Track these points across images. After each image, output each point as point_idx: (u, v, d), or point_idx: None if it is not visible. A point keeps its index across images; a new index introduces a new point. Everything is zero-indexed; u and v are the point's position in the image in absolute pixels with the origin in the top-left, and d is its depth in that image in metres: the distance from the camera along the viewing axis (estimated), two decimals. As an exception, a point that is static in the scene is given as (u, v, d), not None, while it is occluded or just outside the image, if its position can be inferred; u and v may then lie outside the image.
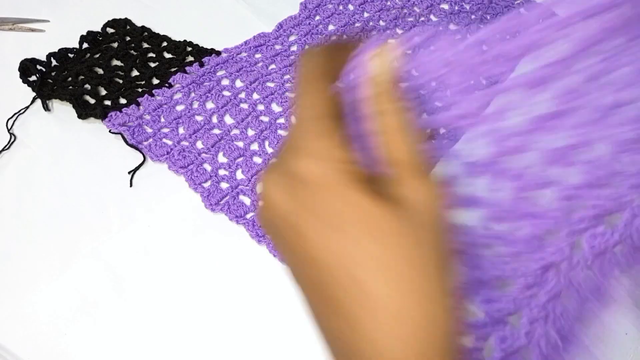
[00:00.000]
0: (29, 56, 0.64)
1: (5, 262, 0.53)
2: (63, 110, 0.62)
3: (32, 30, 0.69)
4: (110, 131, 0.59)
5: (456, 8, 0.72)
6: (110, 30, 0.68)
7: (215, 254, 0.53)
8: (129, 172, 0.57)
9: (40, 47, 0.66)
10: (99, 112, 0.59)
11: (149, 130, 0.60)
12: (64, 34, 0.68)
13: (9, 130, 0.60)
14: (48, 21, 0.70)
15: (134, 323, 0.50)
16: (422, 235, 0.24)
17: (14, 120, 0.60)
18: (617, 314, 0.51)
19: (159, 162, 0.58)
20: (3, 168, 0.58)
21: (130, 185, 0.57)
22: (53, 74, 0.63)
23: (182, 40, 0.67)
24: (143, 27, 0.68)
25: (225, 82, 0.64)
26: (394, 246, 0.24)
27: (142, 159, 0.58)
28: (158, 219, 0.55)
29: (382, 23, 0.72)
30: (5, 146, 0.59)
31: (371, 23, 0.71)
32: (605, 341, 0.50)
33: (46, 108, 0.61)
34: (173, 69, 0.64)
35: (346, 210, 0.24)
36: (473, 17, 0.71)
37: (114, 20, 0.68)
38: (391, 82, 0.28)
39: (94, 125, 0.61)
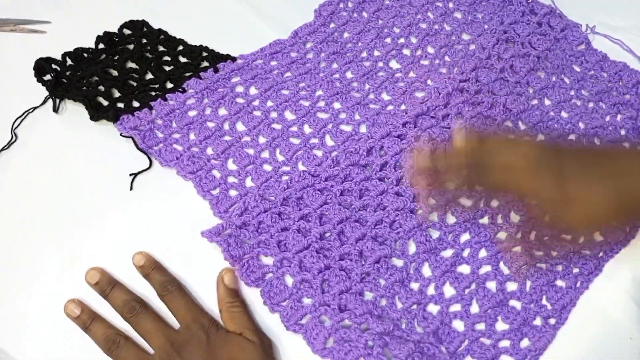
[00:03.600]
0: (31, 57, 0.63)
1: (5, 263, 0.53)
2: (67, 110, 0.62)
3: (34, 31, 0.69)
4: (121, 134, 0.59)
5: (469, 18, 0.72)
6: (126, 31, 0.68)
7: (215, 256, 0.52)
8: (131, 175, 0.57)
9: (41, 48, 0.65)
10: (111, 114, 0.59)
11: (160, 135, 0.59)
12: (65, 35, 0.67)
13: (12, 130, 0.59)
14: (49, 22, 0.69)
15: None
16: None
17: (22, 120, 0.60)
18: (622, 318, 0.50)
19: (167, 167, 0.58)
20: (3, 168, 0.58)
21: (131, 189, 0.57)
22: (67, 73, 0.63)
23: (197, 44, 0.67)
24: (160, 29, 0.68)
25: (239, 89, 0.64)
26: None
27: (148, 163, 0.58)
28: (158, 220, 0.55)
29: (396, 30, 0.71)
30: (5, 146, 0.59)
31: (386, 30, 0.71)
32: (611, 345, 0.50)
33: (55, 109, 0.61)
34: (187, 74, 0.64)
35: None
36: (486, 26, 0.71)
37: (131, 21, 0.68)
38: None
39: (98, 127, 0.60)
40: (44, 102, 0.61)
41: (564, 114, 0.64)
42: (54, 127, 0.61)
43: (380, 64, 0.67)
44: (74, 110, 0.61)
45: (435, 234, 0.55)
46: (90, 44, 0.66)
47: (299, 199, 0.56)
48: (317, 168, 0.58)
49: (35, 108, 0.61)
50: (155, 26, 0.68)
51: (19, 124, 0.60)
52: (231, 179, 0.57)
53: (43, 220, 0.55)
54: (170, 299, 0.49)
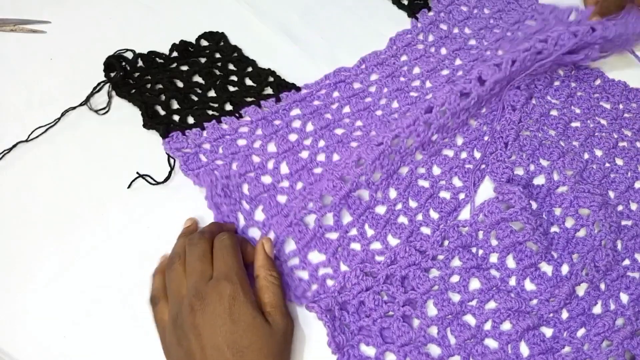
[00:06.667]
0: (31, 57, 0.64)
1: (5, 263, 0.53)
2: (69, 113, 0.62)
3: (34, 31, 0.69)
4: (166, 152, 0.59)
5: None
6: (204, 43, 0.68)
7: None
8: (137, 173, 0.57)
9: (41, 48, 0.66)
10: (162, 129, 0.59)
11: (204, 159, 0.59)
12: (65, 35, 0.68)
13: (29, 136, 0.60)
14: (49, 22, 0.69)
15: (133, 325, 0.50)
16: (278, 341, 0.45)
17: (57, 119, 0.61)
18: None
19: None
20: (3, 168, 0.58)
21: (129, 187, 0.57)
22: (136, 75, 0.64)
23: (266, 68, 0.66)
24: (235, 46, 0.67)
25: (296, 124, 0.62)
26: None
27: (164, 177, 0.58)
28: (157, 220, 0.56)
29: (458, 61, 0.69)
30: (5, 150, 0.59)
31: (460, 72, 0.67)
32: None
33: (89, 106, 0.62)
34: (249, 99, 0.63)
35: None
36: (496, 31, 0.71)
37: (210, 32, 0.68)
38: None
39: (98, 126, 0.61)
40: (85, 102, 0.62)
41: None
42: (53, 127, 0.61)
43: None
44: (74, 111, 0.62)
45: None
46: (90, 44, 0.67)
47: (403, 278, 0.51)
48: (424, 243, 0.53)
49: (73, 108, 0.62)
50: (154, 25, 0.68)
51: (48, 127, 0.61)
52: (253, 232, 0.55)
53: (43, 220, 0.55)
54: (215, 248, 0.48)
